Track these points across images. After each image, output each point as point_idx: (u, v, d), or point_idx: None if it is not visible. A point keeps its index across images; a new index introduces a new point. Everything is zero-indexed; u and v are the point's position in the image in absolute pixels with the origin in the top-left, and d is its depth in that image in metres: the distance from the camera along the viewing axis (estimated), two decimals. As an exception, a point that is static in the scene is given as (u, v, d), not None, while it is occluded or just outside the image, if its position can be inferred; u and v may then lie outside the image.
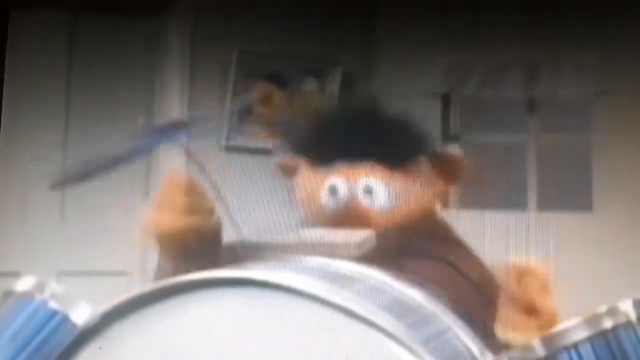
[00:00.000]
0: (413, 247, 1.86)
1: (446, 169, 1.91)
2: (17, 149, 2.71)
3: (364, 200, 1.86)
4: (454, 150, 1.97)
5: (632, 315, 1.29)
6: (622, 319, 1.29)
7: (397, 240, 1.84)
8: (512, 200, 2.65)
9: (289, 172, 1.99)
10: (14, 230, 2.69)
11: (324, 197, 1.89)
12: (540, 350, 1.28)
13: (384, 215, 1.85)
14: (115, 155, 2.02)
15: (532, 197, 2.71)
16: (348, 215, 1.86)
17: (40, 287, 1.44)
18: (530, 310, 1.57)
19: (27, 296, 1.44)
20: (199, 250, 1.74)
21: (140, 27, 2.81)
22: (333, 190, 1.89)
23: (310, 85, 2.83)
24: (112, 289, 2.44)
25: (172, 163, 2.67)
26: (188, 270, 1.42)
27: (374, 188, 1.87)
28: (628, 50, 2.73)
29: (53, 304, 1.42)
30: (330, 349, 1.24)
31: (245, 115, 2.76)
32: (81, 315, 1.39)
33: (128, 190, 2.75)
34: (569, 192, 2.72)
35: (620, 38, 2.74)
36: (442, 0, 2.70)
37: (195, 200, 1.77)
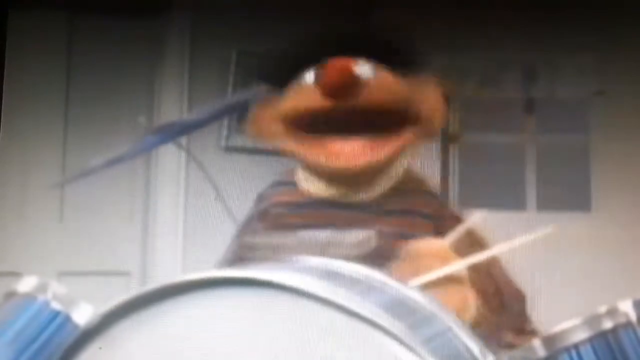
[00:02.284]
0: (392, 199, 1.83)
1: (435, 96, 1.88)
2: (17, 149, 2.71)
3: (355, 67, 1.82)
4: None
5: (632, 316, 1.29)
6: (622, 320, 1.29)
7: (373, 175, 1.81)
8: (511, 200, 2.65)
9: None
10: (14, 230, 2.69)
11: (308, 77, 1.84)
12: (541, 351, 1.28)
13: (372, 82, 1.81)
14: (115, 155, 2.03)
15: (530, 197, 2.71)
16: (331, 67, 1.80)
17: (42, 287, 1.45)
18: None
19: (29, 297, 1.44)
20: None
21: (140, 27, 2.81)
22: (320, 66, 1.84)
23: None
24: (112, 289, 2.45)
25: (172, 163, 2.68)
26: None
27: (367, 67, 1.83)
28: (627, 50, 2.73)
29: (55, 305, 1.42)
30: (330, 348, 1.24)
31: (244, 115, 2.75)
32: (83, 315, 1.39)
33: (128, 190, 2.75)
34: (567, 192, 2.72)
35: (619, 38, 2.74)
36: (441, 1, 2.70)
37: None
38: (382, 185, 1.84)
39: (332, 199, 1.84)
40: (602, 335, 1.28)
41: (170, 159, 2.66)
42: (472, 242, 1.80)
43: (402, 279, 1.52)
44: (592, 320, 1.29)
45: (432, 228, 1.80)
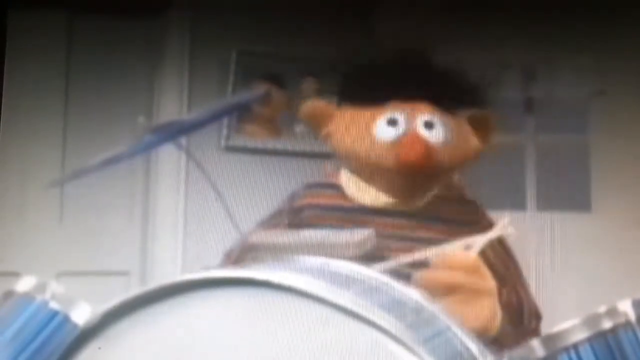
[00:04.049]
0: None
1: (482, 128, 1.90)
2: (16, 149, 2.71)
3: (424, 133, 1.82)
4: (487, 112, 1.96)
5: (631, 316, 1.29)
6: (621, 320, 1.29)
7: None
8: (511, 200, 2.65)
9: (321, 119, 1.94)
10: (13, 230, 2.68)
11: (380, 130, 1.84)
12: (540, 351, 1.28)
13: (443, 150, 1.82)
14: (114, 155, 2.03)
15: (530, 197, 2.70)
16: (409, 145, 1.82)
17: (41, 287, 1.45)
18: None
19: (27, 297, 1.44)
20: None
21: (139, 27, 2.81)
22: (392, 122, 1.84)
23: (309, 86, 2.83)
24: (112, 289, 2.45)
25: (171, 163, 2.68)
26: None
27: (435, 123, 1.84)
28: (627, 50, 2.73)
29: (54, 305, 1.42)
30: (330, 348, 1.25)
31: (244, 115, 2.76)
32: (82, 315, 1.39)
33: (128, 190, 2.75)
34: (567, 192, 2.72)
35: (619, 38, 2.74)
36: (440, 2, 2.70)
37: None
38: (429, 194, 1.86)
39: (378, 207, 1.85)
40: (601, 335, 1.28)
41: (169, 159, 2.65)
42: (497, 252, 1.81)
43: (430, 288, 1.53)
44: (591, 320, 1.29)
45: (468, 236, 1.81)
